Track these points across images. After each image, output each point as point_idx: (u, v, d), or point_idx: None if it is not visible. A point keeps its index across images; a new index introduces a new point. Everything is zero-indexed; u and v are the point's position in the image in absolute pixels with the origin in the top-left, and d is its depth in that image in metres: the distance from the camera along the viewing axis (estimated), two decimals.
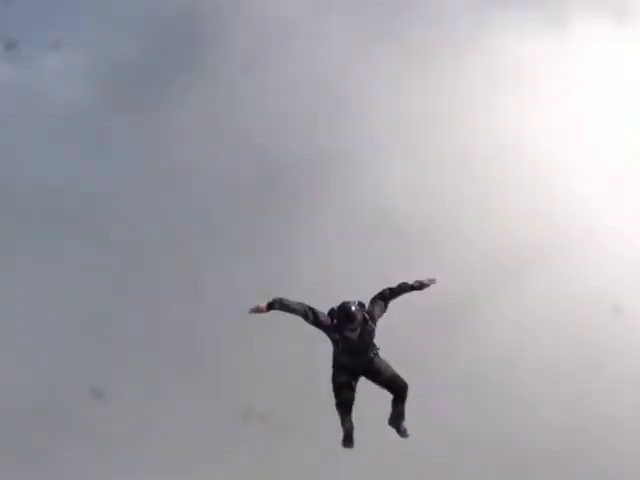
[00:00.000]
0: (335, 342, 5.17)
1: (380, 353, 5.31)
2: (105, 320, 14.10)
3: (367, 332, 5.06)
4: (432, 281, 5.26)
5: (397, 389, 5.29)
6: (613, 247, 15.06)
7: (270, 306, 5.13)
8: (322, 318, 5.10)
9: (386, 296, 5.24)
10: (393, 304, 5.31)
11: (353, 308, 4.88)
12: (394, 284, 5.25)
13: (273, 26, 16.72)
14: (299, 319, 5.18)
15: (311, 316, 5.11)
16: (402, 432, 5.48)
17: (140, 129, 16.09)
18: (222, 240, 14.94)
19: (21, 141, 16.88)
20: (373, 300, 5.22)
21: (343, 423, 5.40)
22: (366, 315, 4.96)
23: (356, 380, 5.34)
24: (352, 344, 5.06)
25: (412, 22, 16.56)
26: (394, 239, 14.66)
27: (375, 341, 5.25)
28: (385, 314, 5.26)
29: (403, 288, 5.25)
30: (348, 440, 5.49)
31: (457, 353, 13.84)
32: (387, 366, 5.35)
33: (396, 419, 5.46)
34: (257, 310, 5.15)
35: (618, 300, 13.84)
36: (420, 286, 5.25)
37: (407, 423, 5.46)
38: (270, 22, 16.80)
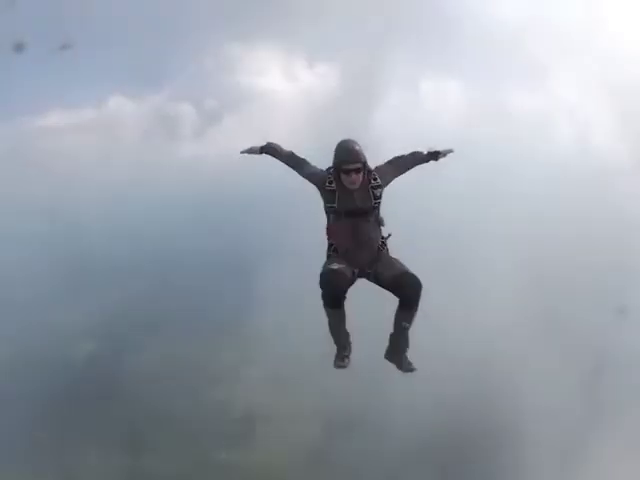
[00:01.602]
0: (330, 200, 4.23)
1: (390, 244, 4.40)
2: None
3: (371, 188, 4.15)
4: (449, 151, 4.53)
5: (407, 289, 4.08)
6: None
7: (262, 149, 4.80)
8: (316, 169, 4.46)
9: (399, 164, 4.44)
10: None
11: (355, 145, 4.13)
12: (407, 151, 4.39)
13: None
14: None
15: (302, 164, 4.51)
16: (405, 365, 4.41)
17: None
18: None
19: None
20: (386, 164, 4.49)
21: (335, 332, 4.30)
22: (370, 167, 4.23)
23: (354, 274, 4.27)
24: (352, 202, 4.08)
25: None
26: None
27: (383, 225, 4.35)
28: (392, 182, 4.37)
29: (418, 158, 4.50)
30: (341, 356, 4.39)
31: None
32: (396, 260, 4.33)
33: (397, 344, 4.26)
34: (250, 151, 4.88)
35: None
36: (436, 155, 4.47)
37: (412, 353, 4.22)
38: None
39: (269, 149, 4.91)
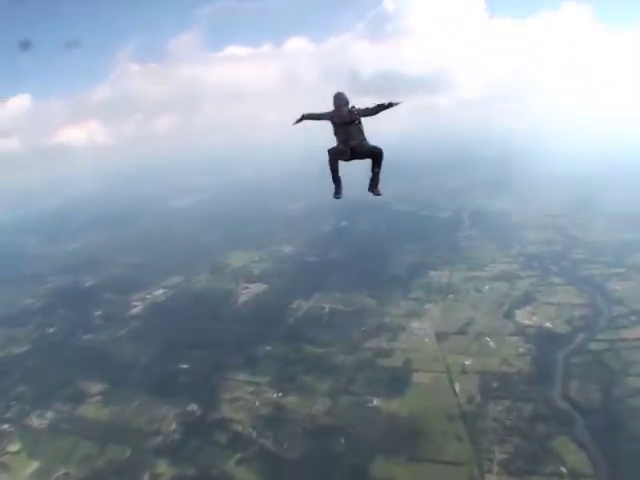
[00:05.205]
0: (333, 122, 9.05)
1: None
2: None
3: (353, 116, 8.87)
4: (398, 103, 8.54)
5: (376, 154, 9.15)
6: None
7: (303, 117, 9.35)
8: (327, 113, 9.09)
9: (370, 109, 8.88)
10: None
11: (343, 94, 8.97)
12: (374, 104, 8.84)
13: None
14: (320, 122, 9.19)
15: (323, 116, 9.11)
16: (375, 192, 9.31)
17: None
18: None
19: None
20: (365, 107, 9.00)
21: (334, 179, 9.28)
22: (352, 108, 8.95)
23: (348, 155, 9.16)
24: (342, 118, 8.90)
25: None
26: None
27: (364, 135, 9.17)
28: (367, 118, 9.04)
29: (380, 107, 8.82)
30: (336, 191, 9.39)
31: None
32: (369, 144, 9.19)
33: (373, 181, 9.24)
34: (296, 122, 9.32)
35: None
36: (389, 105, 8.69)
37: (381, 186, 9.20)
38: None
39: (306, 116, 9.39)
